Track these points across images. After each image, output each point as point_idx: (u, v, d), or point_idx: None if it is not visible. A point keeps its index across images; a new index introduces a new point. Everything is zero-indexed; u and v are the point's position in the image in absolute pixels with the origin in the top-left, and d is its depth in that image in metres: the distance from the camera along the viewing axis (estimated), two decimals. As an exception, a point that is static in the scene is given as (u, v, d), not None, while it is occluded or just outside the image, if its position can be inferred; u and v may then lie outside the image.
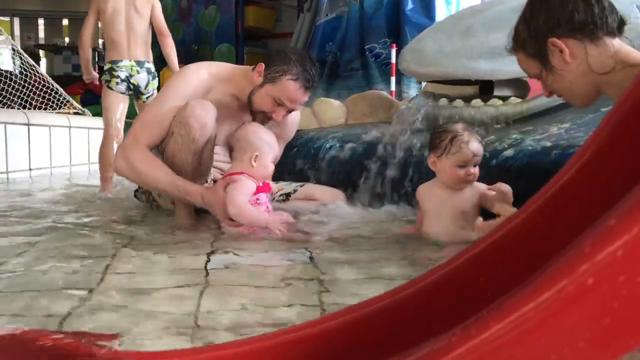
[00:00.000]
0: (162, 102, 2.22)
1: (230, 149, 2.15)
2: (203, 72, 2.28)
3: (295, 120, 2.59)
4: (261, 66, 2.22)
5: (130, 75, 3.47)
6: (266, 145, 2.07)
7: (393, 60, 6.37)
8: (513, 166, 2.11)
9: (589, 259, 0.41)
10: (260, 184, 2.07)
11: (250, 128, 2.14)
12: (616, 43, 1.48)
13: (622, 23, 1.50)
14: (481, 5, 2.80)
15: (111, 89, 3.47)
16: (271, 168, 2.10)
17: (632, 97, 0.81)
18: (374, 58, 7.23)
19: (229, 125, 2.31)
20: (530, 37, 1.54)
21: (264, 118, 2.27)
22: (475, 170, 1.85)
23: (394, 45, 6.46)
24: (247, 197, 2.01)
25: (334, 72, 7.58)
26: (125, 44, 3.50)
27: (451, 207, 1.87)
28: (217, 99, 2.24)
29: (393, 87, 6.42)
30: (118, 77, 3.46)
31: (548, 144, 2.09)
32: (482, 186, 1.88)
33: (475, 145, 1.84)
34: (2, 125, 3.22)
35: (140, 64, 3.52)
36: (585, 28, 1.46)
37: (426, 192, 1.95)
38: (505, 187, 1.77)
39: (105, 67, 3.53)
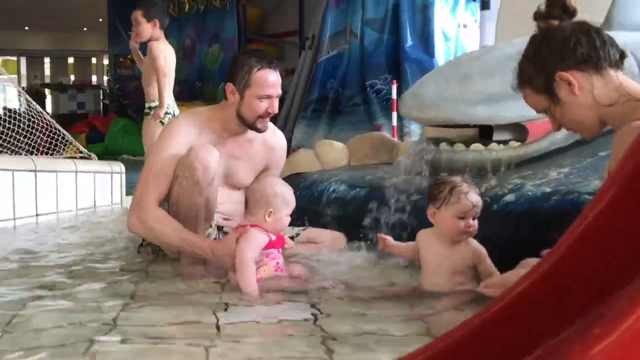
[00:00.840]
0: (159, 155, 2.30)
1: (246, 200, 2.18)
2: (188, 120, 2.40)
3: (282, 147, 2.66)
4: (229, 86, 2.35)
5: (174, 112, 4.20)
6: (280, 201, 2.08)
7: (394, 96, 6.45)
8: (513, 211, 2.13)
9: (599, 342, 0.43)
10: (274, 238, 2.09)
11: (267, 181, 2.17)
12: (620, 75, 1.53)
13: (622, 56, 1.55)
14: (478, 52, 2.86)
15: (163, 123, 3.96)
16: (285, 222, 2.10)
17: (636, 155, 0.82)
18: (375, 94, 7.33)
19: (225, 162, 2.39)
20: (536, 73, 1.58)
21: (262, 122, 2.37)
22: (475, 223, 1.86)
23: (395, 81, 6.56)
24: (257, 250, 2.02)
25: (336, 109, 7.68)
26: (170, 88, 4.28)
27: (450, 264, 1.87)
28: (209, 140, 2.35)
29: (395, 122, 6.49)
30: (168, 113, 4.12)
31: (548, 189, 2.12)
32: (477, 245, 1.89)
33: (474, 197, 1.86)
34: (9, 173, 3.27)
35: (175, 102, 4.32)
36: (590, 60, 1.51)
37: (426, 241, 1.95)
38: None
39: (153, 105, 4.17)
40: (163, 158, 2.28)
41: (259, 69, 2.29)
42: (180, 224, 2.18)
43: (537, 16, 1.67)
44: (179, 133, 2.33)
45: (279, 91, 2.36)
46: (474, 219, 1.85)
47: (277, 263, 2.08)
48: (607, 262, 0.72)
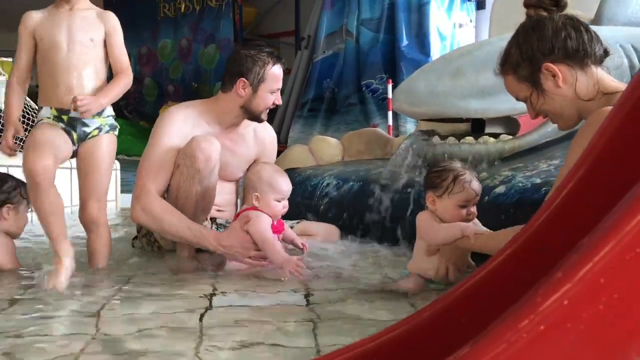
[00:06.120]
0: (157, 146, 2.31)
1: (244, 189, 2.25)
2: (181, 112, 2.42)
3: (273, 139, 2.71)
4: (242, 81, 2.37)
5: None
6: (265, 184, 2.12)
7: (389, 95, 6.49)
8: (504, 203, 2.16)
9: (539, 306, 0.46)
10: (275, 223, 2.13)
11: (255, 168, 2.23)
12: (599, 72, 1.57)
13: (606, 53, 1.59)
14: (469, 47, 2.89)
15: None
16: (276, 207, 2.14)
17: (609, 130, 0.85)
18: (370, 93, 7.36)
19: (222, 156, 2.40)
20: (523, 61, 1.60)
21: (265, 113, 2.47)
22: (474, 210, 1.86)
23: (390, 80, 6.59)
24: (270, 226, 2.09)
25: (332, 108, 7.71)
26: None
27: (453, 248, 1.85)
28: (203, 132, 2.36)
29: (390, 121, 6.53)
30: None
31: (538, 180, 2.14)
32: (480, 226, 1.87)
33: (476, 185, 1.83)
34: (4, 169, 3.28)
35: None
36: (577, 55, 1.54)
37: (427, 225, 1.86)
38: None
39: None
40: (162, 149, 2.30)
41: (272, 65, 2.38)
42: (184, 215, 2.20)
43: (528, 4, 1.70)
44: (175, 125, 2.35)
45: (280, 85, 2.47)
46: (473, 205, 1.85)
47: None
48: (577, 239, 0.75)
